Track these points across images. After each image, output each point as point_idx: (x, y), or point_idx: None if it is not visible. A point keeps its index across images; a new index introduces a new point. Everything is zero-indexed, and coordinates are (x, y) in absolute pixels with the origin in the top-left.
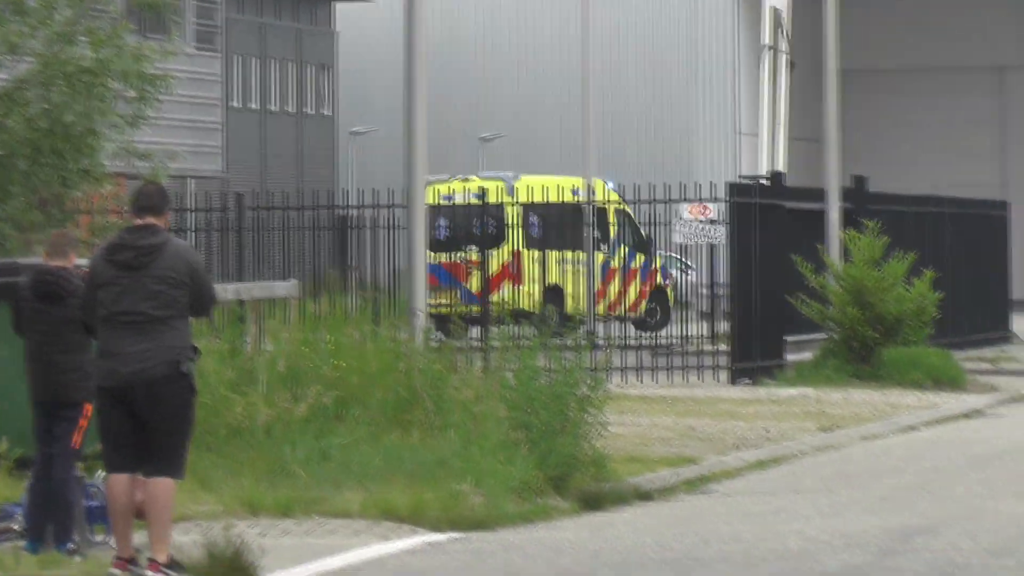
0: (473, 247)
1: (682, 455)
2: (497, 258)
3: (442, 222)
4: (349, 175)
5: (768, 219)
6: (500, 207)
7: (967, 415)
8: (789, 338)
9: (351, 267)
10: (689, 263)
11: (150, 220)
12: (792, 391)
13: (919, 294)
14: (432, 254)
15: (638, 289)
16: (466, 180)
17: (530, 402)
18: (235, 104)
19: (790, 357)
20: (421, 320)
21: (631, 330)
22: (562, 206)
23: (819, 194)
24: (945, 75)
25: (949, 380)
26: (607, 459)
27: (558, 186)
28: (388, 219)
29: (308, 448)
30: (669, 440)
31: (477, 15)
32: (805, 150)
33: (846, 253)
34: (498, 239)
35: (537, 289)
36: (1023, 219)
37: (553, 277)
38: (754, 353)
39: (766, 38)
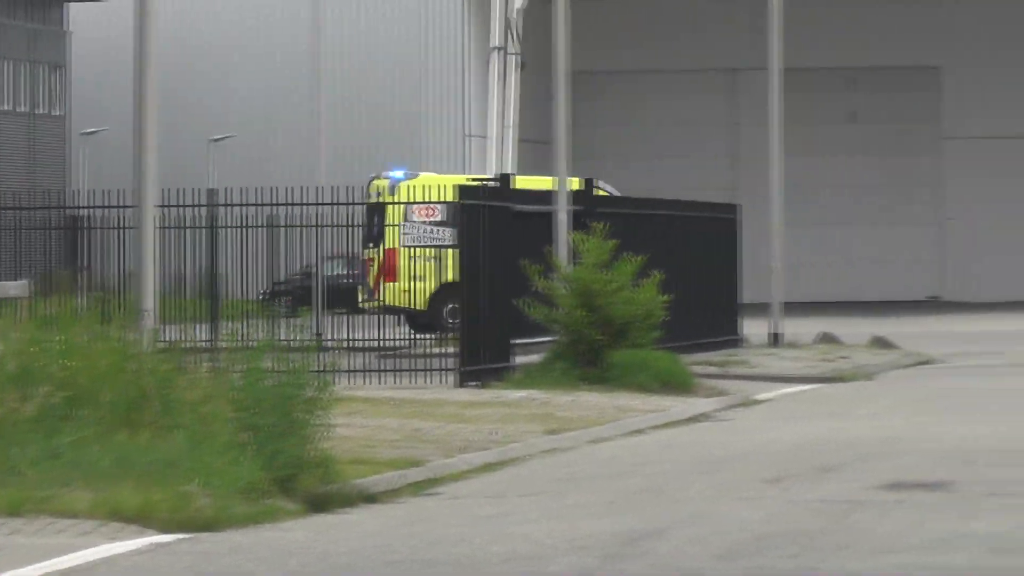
0: (371, 245)
1: (408, 457)
2: (378, 256)
3: (376, 220)
4: (81, 176)
5: (496, 221)
6: (382, 206)
7: (695, 419)
8: (518, 341)
9: (82, 268)
10: None
11: None
12: (520, 394)
13: (647, 297)
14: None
15: None
16: (377, 178)
17: (257, 403)
18: None
19: (519, 360)
20: (150, 320)
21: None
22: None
23: (548, 196)
24: (680, 77)
25: (677, 384)
26: (333, 461)
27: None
28: (119, 220)
29: (37, 448)
30: (395, 442)
31: (211, 17)
32: (537, 152)
33: (576, 256)
34: (381, 238)
35: (423, 287)
36: (752, 222)
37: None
38: (482, 356)
39: (496, 39)
